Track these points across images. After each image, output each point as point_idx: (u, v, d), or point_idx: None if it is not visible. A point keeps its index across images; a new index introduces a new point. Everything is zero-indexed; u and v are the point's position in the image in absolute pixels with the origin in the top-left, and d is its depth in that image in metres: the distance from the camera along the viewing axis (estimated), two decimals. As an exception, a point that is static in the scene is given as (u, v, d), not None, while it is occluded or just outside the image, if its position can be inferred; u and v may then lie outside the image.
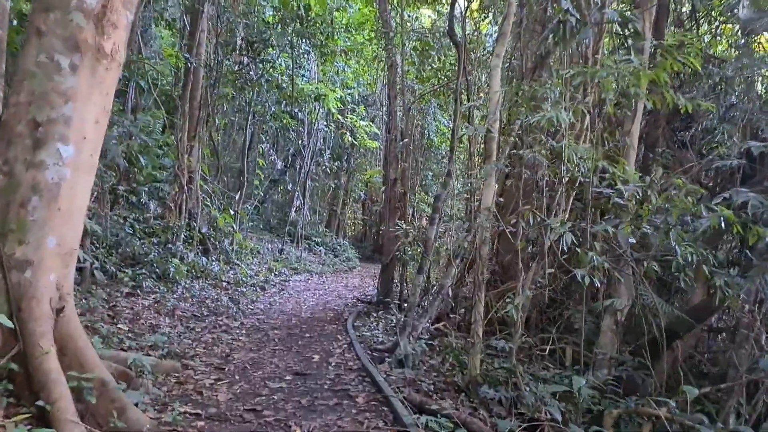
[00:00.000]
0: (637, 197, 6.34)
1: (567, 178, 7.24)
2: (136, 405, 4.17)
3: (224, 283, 11.35)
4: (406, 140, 11.24)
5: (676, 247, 5.74)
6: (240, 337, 7.77)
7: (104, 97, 4.07)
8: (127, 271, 8.91)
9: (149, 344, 6.00)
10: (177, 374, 5.60)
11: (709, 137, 8.97)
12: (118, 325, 6.47)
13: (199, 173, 12.01)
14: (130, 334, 6.35)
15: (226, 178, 17.61)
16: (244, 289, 11.44)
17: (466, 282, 10.83)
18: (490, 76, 7.08)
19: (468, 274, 11.22)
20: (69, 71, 3.84)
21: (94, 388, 3.83)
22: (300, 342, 7.91)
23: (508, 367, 6.51)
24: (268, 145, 19.61)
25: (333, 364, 6.78)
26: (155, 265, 9.44)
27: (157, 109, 14.25)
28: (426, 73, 14.29)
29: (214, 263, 12.03)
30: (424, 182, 22.92)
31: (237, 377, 5.86)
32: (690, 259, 5.77)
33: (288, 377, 6.04)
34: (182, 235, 11.34)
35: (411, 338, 7.59)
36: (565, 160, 6.79)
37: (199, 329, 7.79)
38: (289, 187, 20.95)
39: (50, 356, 3.65)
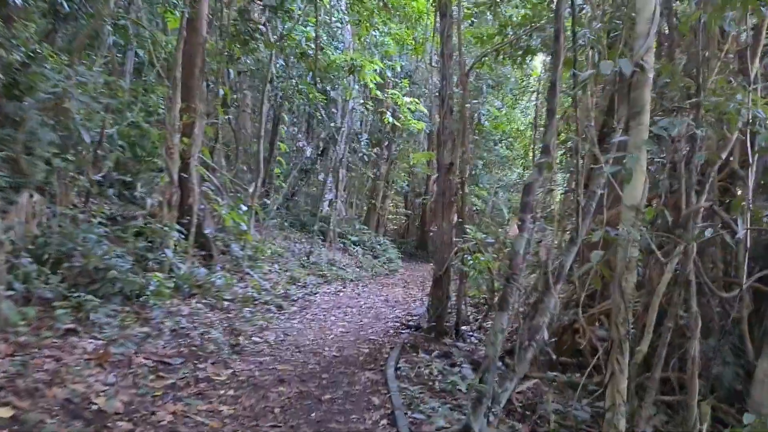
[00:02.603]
0: None
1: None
2: None
3: (226, 303, 8.66)
4: (476, 100, 8.25)
5: None
6: (220, 407, 5.00)
7: None
8: (77, 295, 6.30)
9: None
10: None
11: None
12: (-8, 411, 3.78)
13: (195, 158, 9.35)
14: None
15: (246, 168, 15.00)
16: (253, 310, 8.72)
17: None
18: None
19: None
20: None
21: None
22: (315, 413, 5.09)
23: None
24: (295, 128, 16.89)
25: (363, 474, 3.94)
26: (119, 283, 6.80)
27: (159, 83, 11.76)
28: (487, 31, 11.25)
29: (217, 274, 9.37)
30: (473, 172, 19.89)
31: None
32: None
33: None
34: (172, 239, 8.71)
35: (491, 416, 4.68)
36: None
37: (161, 392, 5.06)
38: (320, 178, 18.25)
39: None
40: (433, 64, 14.14)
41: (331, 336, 8.20)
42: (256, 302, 9.22)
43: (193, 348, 6.41)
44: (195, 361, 6.06)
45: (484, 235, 7.39)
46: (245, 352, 6.82)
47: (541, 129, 12.78)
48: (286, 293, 10.37)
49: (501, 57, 11.18)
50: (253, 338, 7.50)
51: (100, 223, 8.23)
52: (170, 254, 8.39)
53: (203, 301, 8.46)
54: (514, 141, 26.30)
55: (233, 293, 9.20)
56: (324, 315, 9.58)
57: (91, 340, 5.68)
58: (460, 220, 9.29)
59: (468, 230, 8.93)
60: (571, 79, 5.67)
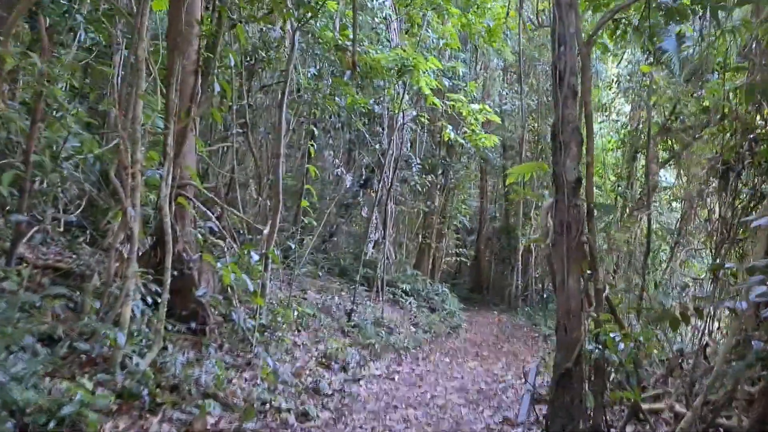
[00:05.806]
0: None
1: None
2: None
3: (213, 418, 5.25)
4: None
5: None
6: None
7: None
8: None
9: None
10: None
11: None
12: None
13: (170, 182, 6.13)
14: None
15: (268, 202, 11.81)
16: (257, 430, 5.29)
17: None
18: None
19: None
20: None
21: None
22: None
23: None
24: (332, 152, 13.69)
25: None
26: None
27: (153, 91, 8.81)
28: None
29: (207, 363, 6.02)
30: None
31: None
32: None
33: None
34: (130, 308, 5.44)
35: None
36: None
37: None
38: (364, 213, 14.94)
39: None
40: (532, 27, 10.75)
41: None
42: (266, 409, 5.79)
43: None
44: None
45: None
46: None
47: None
48: (316, 384, 6.88)
49: (623, 29, 7.77)
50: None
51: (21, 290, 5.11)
52: (121, 338, 5.10)
53: (175, 415, 5.09)
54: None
55: (230, 394, 5.80)
56: (372, 429, 6.01)
57: None
58: (590, 272, 5.67)
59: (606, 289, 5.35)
60: None
